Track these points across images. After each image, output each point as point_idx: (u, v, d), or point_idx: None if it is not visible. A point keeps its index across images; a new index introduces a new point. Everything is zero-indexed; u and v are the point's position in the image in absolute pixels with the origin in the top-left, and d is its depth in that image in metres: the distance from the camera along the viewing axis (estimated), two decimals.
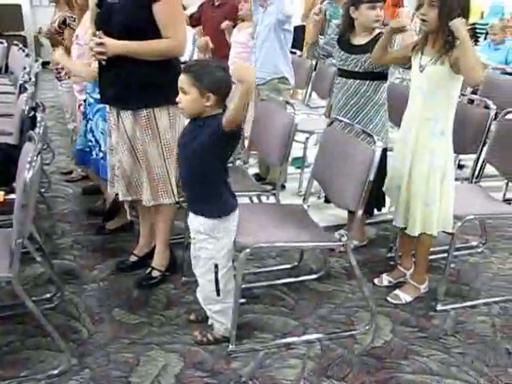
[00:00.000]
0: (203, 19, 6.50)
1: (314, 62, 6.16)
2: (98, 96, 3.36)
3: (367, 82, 3.71)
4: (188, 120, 2.62)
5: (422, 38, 3.16)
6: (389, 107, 3.83)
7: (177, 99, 2.46)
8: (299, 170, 5.34)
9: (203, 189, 2.58)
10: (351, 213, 3.43)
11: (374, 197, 3.82)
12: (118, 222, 4.26)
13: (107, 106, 3.32)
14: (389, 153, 3.77)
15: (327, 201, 4.23)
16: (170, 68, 3.03)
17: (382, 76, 3.74)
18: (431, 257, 3.57)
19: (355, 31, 3.76)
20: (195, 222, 2.70)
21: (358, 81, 3.73)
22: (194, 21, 6.65)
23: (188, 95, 2.43)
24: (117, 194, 3.41)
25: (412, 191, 3.25)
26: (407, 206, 3.31)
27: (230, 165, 3.38)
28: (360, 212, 2.83)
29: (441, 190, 3.21)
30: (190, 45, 7.03)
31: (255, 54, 5.08)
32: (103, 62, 3.06)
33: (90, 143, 3.97)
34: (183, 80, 2.44)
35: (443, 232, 3.33)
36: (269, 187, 3.90)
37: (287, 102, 4.33)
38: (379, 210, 4.10)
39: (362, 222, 4.14)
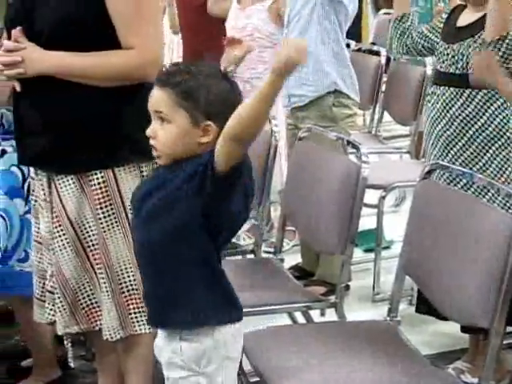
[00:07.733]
0: None
1: (383, 60, 4.39)
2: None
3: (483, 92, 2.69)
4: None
5: None
6: None
7: (147, 131, 1.85)
8: (372, 255, 3.90)
9: (174, 285, 1.92)
10: (477, 331, 2.63)
11: None
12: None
13: (32, 171, 2.52)
14: None
15: (428, 310, 3.03)
16: (140, 99, 2.31)
17: None
18: None
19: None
20: (167, 348, 1.97)
21: (467, 91, 2.72)
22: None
23: (171, 124, 1.83)
24: (51, 324, 2.53)
25: None
26: None
27: (252, 256, 2.92)
28: (497, 330, 2.10)
29: None
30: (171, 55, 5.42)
31: None
32: (18, 88, 2.23)
33: None
34: (160, 99, 1.83)
35: None
36: (321, 290, 3.20)
37: (348, 142, 3.00)
38: None
39: (500, 345, 2.92)
